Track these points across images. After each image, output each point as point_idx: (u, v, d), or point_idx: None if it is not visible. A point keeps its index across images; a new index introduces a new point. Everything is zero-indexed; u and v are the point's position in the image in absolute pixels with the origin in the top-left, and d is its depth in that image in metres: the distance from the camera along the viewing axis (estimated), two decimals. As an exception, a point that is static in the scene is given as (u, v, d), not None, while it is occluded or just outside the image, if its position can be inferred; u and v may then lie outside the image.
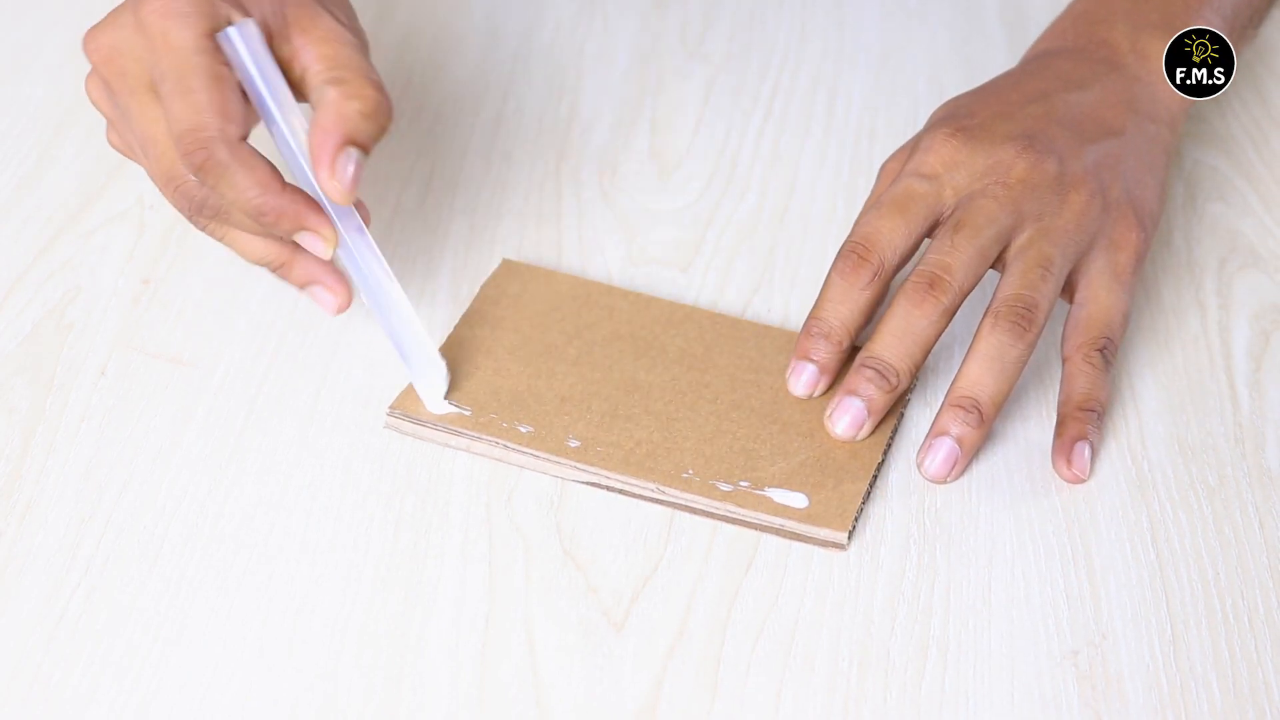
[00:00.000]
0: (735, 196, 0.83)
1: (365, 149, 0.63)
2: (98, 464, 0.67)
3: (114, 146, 0.69)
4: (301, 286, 0.69)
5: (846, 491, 0.66)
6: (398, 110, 0.88)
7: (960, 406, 0.67)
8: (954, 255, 0.68)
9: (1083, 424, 0.68)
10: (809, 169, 0.85)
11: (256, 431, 0.69)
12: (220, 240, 0.68)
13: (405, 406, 0.69)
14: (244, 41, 0.63)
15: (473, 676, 0.60)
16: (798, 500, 0.66)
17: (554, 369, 0.70)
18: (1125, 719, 0.59)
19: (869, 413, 0.68)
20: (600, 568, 0.64)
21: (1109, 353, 0.69)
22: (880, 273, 0.68)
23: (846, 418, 0.68)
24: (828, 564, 0.64)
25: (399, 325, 0.68)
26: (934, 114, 0.75)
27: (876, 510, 0.67)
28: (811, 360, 0.69)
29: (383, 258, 0.67)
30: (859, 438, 0.68)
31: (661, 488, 0.66)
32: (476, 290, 0.75)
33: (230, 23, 0.63)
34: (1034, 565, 0.64)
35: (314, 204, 0.65)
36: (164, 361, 0.72)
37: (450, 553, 0.64)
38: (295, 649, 0.61)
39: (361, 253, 0.67)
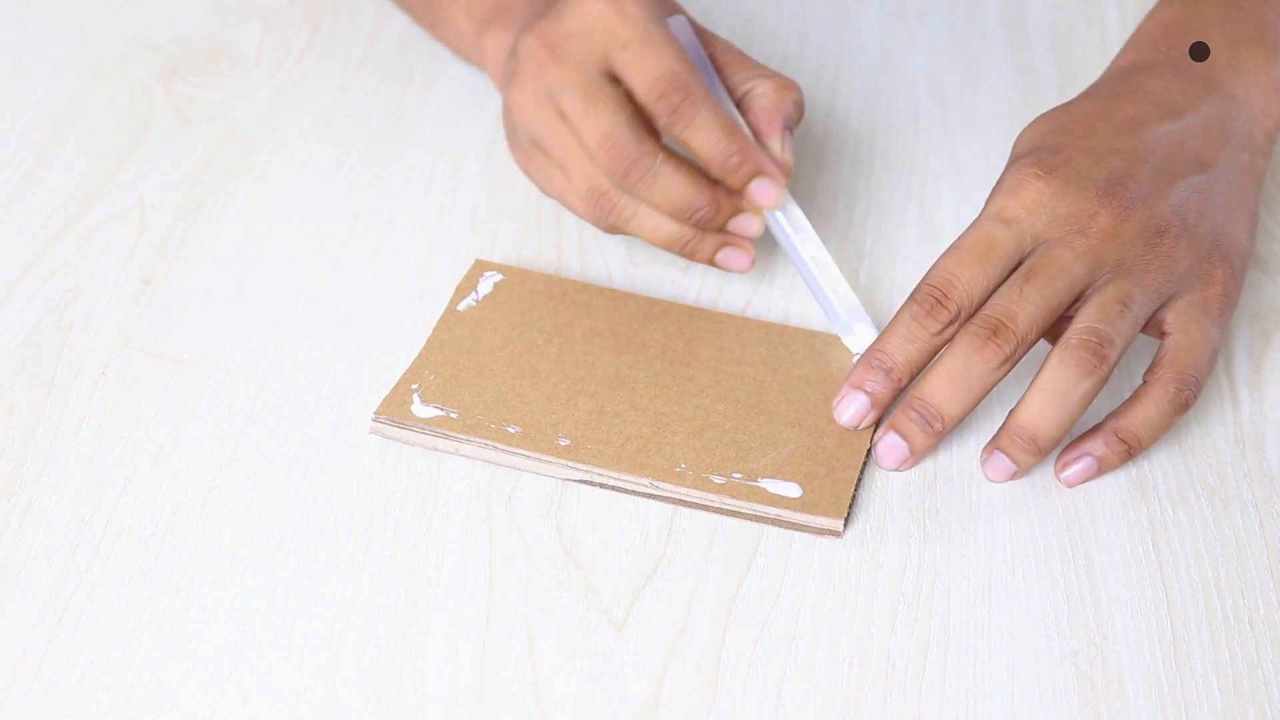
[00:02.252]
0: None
1: (790, 133, 0.73)
2: (98, 464, 0.67)
3: (524, 169, 0.76)
4: (709, 259, 0.73)
5: (839, 479, 0.67)
6: (397, 110, 0.88)
7: (1018, 436, 0.67)
8: (1021, 305, 0.66)
9: (1112, 450, 0.67)
10: (810, 169, 0.85)
11: (256, 431, 0.69)
12: (623, 230, 0.73)
13: (391, 411, 0.68)
14: (687, 30, 0.73)
15: (473, 676, 0.60)
16: (792, 490, 0.66)
17: (537, 368, 0.70)
18: (1125, 719, 0.59)
19: (910, 452, 0.67)
20: (600, 567, 0.64)
21: (1190, 393, 0.67)
22: (956, 320, 0.67)
23: (890, 457, 0.68)
24: (828, 564, 0.64)
25: (822, 279, 0.73)
26: (1020, 138, 0.72)
27: (876, 510, 0.67)
28: (865, 392, 0.68)
29: (800, 211, 0.74)
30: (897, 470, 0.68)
31: (655, 482, 0.66)
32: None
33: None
34: (1034, 565, 0.64)
35: (761, 151, 0.72)
36: (164, 361, 0.72)
37: (450, 552, 0.64)
38: (295, 649, 0.61)
39: (787, 208, 0.73)
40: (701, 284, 0.78)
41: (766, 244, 0.80)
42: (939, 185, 0.84)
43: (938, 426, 0.67)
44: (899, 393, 0.68)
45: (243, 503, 0.66)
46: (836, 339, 0.73)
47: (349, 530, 0.65)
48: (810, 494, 0.66)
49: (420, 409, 0.68)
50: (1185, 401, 0.67)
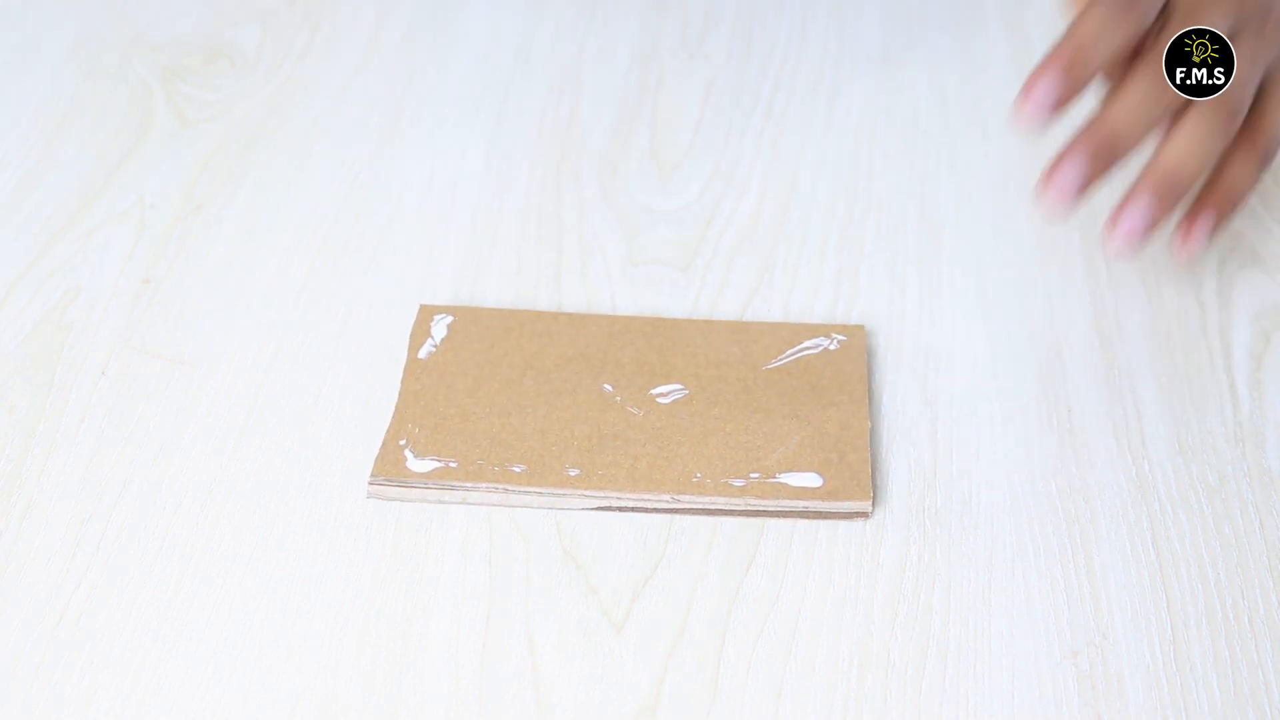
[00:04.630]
0: (735, 196, 0.83)
1: None
2: (98, 464, 0.67)
3: None
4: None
5: (854, 462, 0.67)
6: (396, 109, 0.88)
7: (1161, 179, 0.67)
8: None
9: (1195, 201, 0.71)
10: (809, 169, 0.85)
11: (256, 431, 0.69)
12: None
13: (386, 471, 0.67)
14: None
15: (473, 676, 0.60)
16: (813, 480, 0.66)
17: (520, 403, 0.69)
18: (1125, 719, 0.59)
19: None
20: (600, 568, 0.64)
21: (1268, 157, 0.70)
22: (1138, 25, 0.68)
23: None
24: (828, 563, 0.64)
25: None
26: None
27: (876, 509, 0.67)
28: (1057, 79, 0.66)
29: None
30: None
31: (676, 497, 0.66)
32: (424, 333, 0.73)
33: None
34: (1034, 565, 0.64)
35: None
36: (164, 361, 0.72)
37: (450, 552, 0.64)
38: (295, 648, 0.61)
39: None
40: (702, 283, 0.78)
41: (765, 244, 0.80)
42: (938, 185, 0.84)
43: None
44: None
45: (243, 503, 0.66)
46: (804, 327, 0.73)
47: (349, 530, 0.65)
48: (831, 481, 0.66)
49: (416, 464, 0.67)
50: (1265, 164, 0.71)
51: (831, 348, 0.73)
